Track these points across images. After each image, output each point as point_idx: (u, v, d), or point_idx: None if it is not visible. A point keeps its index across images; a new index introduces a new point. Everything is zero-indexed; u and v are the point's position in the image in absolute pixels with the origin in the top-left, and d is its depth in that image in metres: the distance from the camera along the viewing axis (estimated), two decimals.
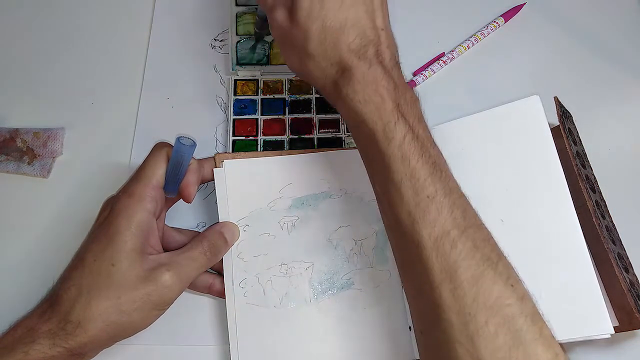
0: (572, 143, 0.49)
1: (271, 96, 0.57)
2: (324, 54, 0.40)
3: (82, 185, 0.53)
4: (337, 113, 0.56)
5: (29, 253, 0.51)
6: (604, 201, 0.51)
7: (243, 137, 0.55)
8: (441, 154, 0.39)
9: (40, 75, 0.59)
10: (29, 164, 0.54)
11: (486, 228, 0.37)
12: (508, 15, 0.63)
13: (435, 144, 0.39)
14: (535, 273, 0.42)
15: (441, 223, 0.35)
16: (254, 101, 0.57)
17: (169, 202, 0.47)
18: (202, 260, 0.43)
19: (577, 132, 0.53)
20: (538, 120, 0.46)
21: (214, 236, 0.45)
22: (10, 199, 0.53)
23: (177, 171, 0.44)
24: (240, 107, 0.56)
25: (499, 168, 0.46)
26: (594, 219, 0.45)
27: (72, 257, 0.43)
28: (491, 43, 0.62)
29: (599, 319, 0.40)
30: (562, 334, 0.40)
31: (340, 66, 0.40)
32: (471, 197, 0.46)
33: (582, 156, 0.51)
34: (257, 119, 0.56)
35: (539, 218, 0.44)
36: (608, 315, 0.40)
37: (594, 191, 0.49)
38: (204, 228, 0.51)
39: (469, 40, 0.61)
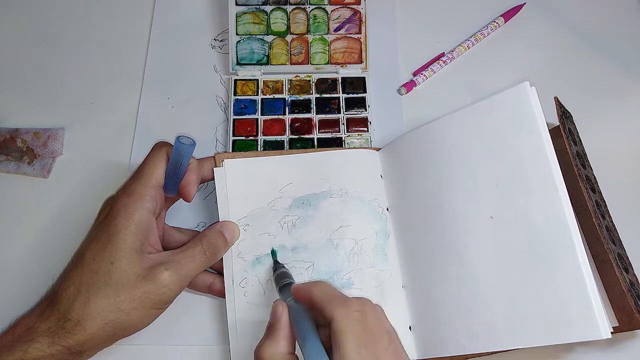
0: (572, 143, 0.49)
1: (271, 96, 0.57)
2: None
3: (82, 185, 0.54)
4: (337, 113, 0.56)
5: (29, 252, 0.51)
6: (604, 201, 0.51)
7: (243, 137, 0.55)
8: None
9: (40, 75, 0.59)
10: (29, 164, 0.54)
11: None
12: (508, 15, 0.63)
13: None
14: (526, 272, 0.41)
15: None
16: (254, 101, 0.57)
17: (168, 202, 0.47)
18: (201, 260, 0.43)
19: (577, 132, 0.53)
20: (529, 109, 0.43)
21: (213, 235, 0.45)
22: (10, 199, 0.53)
23: (176, 170, 0.44)
24: (240, 107, 0.56)
25: (488, 162, 0.45)
26: (594, 219, 0.45)
27: (72, 256, 0.43)
28: (491, 43, 0.62)
29: (590, 323, 0.38)
30: (554, 338, 0.39)
31: None
32: (460, 193, 0.45)
33: (582, 156, 0.51)
34: (257, 119, 0.56)
35: (529, 214, 0.42)
36: (602, 318, 0.38)
37: (594, 191, 0.49)
38: (204, 228, 0.51)
39: (469, 40, 0.61)
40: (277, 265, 0.45)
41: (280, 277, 0.43)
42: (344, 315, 0.35)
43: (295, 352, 0.37)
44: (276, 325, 0.37)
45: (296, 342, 0.37)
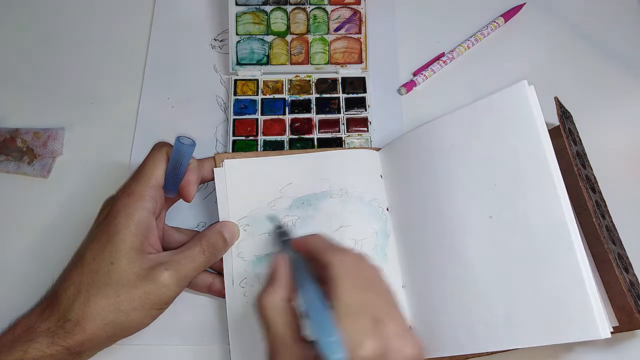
0: (572, 143, 0.49)
1: (271, 96, 0.57)
2: None
3: (82, 185, 0.54)
4: (337, 113, 0.56)
5: (29, 252, 0.51)
6: (604, 201, 0.51)
7: (243, 137, 0.55)
8: None
9: (40, 75, 0.59)
10: (29, 164, 0.54)
11: None
12: (508, 15, 0.63)
13: None
14: (525, 272, 0.41)
15: None
16: (254, 101, 0.57)
17: (168, 202, 0.47)
18: (201, 260, 0.43)
19: (577, 132, 0.53)
20: (527, 107, 0.43)
21: (213, 235, 0.45)
22: (10, 199, 0.53)
23: (176, 170, 0.44)
24: (240, 107, 0.56)
25: (487, 162, 0.45)
26: (594, 219, 0.45)
27: (72, 256, 0.43)
28: (491, 43, 0.62)
29: (590, 323, 0.38)
30: (554, 338, 0.39)
31: None
32: (460, 193, 0.45)
33: (582, 156, 0.51)
34: (257, 119, 0.56)
35: (528, 214, 0.42)
36: (602, 318, 0.38)
37: (594, 191, 0.49)
38: (204, 228, 0.51)
39: (469, 40, 0.61)
40: (277, 227, 0.46)
41: (281, 235, 0.44)
42: (340, 260, 0.35)
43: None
44: (274, 275, 0.37)
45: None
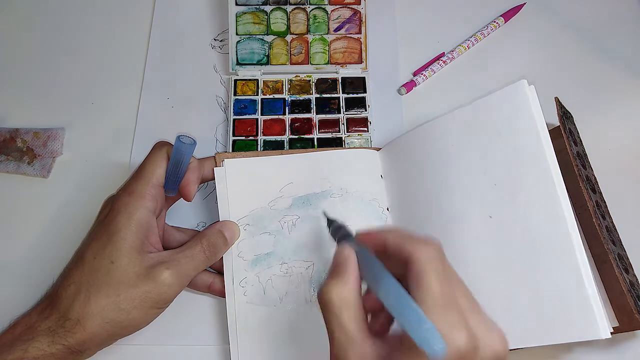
0: (573, 144, 0.49)
1: (271, 96, 0.57)
2: None
3: (82, 185, 0.53)
4: (337, 113, 0.56)
5: (29, 252, 0.51)
6: (604, 202, 0.51)
7: (243, 137, 0.55)
8: None
9: (40, 75, 0.59)
10: (29, 164, 0.54)
11: None
12: (508, 15, 0.63)
13: None
14: (525, 272, 0.41)
15: None
16: (254, 101, 0.57)
17: (169, 201, 0.47)
18: (201, 259, 0.43)
19: (578, 133, 0.53)
20: (527, 106, 0.43)
21: (213, 235, 0.45)
22: (10, 199, 0.53)
23: (177, 170, 0.44)
24: (240, 107, 0.56)
25: (487, 161, 0.45)
26: (594, 220, 0.45)
27: (72, 255, 0.43)
28: (491, 43, 0.62)
29: (590, 323, 0.38)
30: (554, 338, 0.39)
31: None
32: (460, 193, 0.45)
33: (582, 157, 0.51)
34: (257, 119, 0.56)
35: (528, 213, 0.42)
36: (602, 318, 0.38)
37: (594, 192, 0.49)
38: (204, 227, 0.51)
39: (469, 40, 0.61)
40: (331, 220, 0.42)
41: (339, 228, 0.40)
42: (425, 252, 0.32)
43: None
44: (341, 267, 0.34)
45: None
